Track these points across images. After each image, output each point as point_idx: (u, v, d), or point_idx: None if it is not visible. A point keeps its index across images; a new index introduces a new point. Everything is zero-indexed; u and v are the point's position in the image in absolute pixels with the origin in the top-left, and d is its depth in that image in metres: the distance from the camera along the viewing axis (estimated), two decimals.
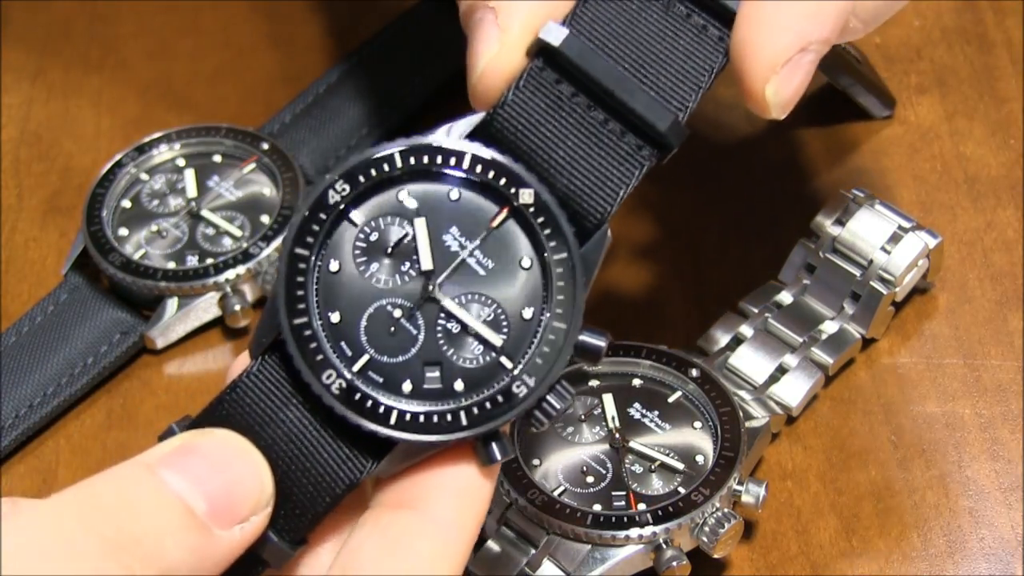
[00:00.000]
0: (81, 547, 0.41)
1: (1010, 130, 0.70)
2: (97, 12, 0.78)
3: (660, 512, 0.56)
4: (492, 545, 0.56)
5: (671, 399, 0.60)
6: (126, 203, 0.68)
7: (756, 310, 0.63)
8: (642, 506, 0.56)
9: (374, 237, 0.47)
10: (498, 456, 0.46)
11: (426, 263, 0.47)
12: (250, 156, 0.69)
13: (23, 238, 0.69)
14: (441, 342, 0.46)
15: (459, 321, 0.46)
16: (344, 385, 0.45)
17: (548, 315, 0.46)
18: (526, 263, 0.47)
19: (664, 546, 0.55)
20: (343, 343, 0.46)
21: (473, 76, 0.49)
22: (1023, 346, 0.63)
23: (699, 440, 0.59)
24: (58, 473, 0.62)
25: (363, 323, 0.46)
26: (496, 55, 0.49)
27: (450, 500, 0.46)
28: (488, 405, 0.45)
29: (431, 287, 0.46)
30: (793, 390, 0.61)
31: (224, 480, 0.44)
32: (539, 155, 0.48)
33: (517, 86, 0.48)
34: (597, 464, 0.58)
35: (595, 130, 0.48)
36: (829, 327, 0.63)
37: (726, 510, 0.56)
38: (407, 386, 0.46)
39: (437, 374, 0.46)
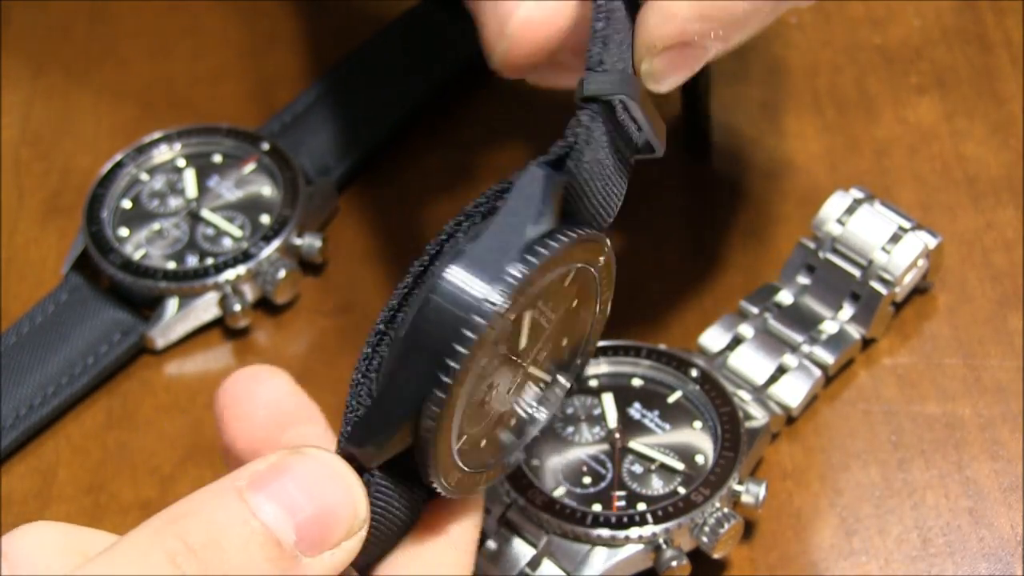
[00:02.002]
0: None
1: (1010, 130, 0.70)
2: (97, 12, 0.78)
3: (660, 512, 0.56)
4: (492, 545, 0.56)
5: (671, 399, 0.60)
6: (126, 203, 0.68)
7: (756, 310, 0.63)
8: (642, 506, 0.56)
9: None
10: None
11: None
12: (250, 156, 0.69)
13: (23, 238, 0.69)
14: None
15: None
16: None
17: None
18: None
19: (664, 546, 0.55)
20: None
21: (499, 44, 0.48)
22: (1023, 346, 0.63)
23: (699, 440, 0.59)
24: (58, 473, 0.62)
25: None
26: (525, 16, 0.48)
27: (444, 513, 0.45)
28: None
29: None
30: (793, 390, 0.61)
31: (317, 507, 0.42)
32: (599, 200, 0.46)
33: (589, 141, 0.45)
34: (597, 464, 0.58)
35: None
36: (829, 327, 0.63)
37: (726, 510, 0.56)
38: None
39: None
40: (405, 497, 0.45)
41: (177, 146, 0.69)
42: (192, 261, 0.66)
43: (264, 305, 0.66)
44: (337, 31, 0.76)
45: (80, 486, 0.62)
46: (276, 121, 0.71)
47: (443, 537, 0.46)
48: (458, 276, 0.41)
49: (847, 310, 0.63)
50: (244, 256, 0.65)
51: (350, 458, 0.43)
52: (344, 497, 0.42)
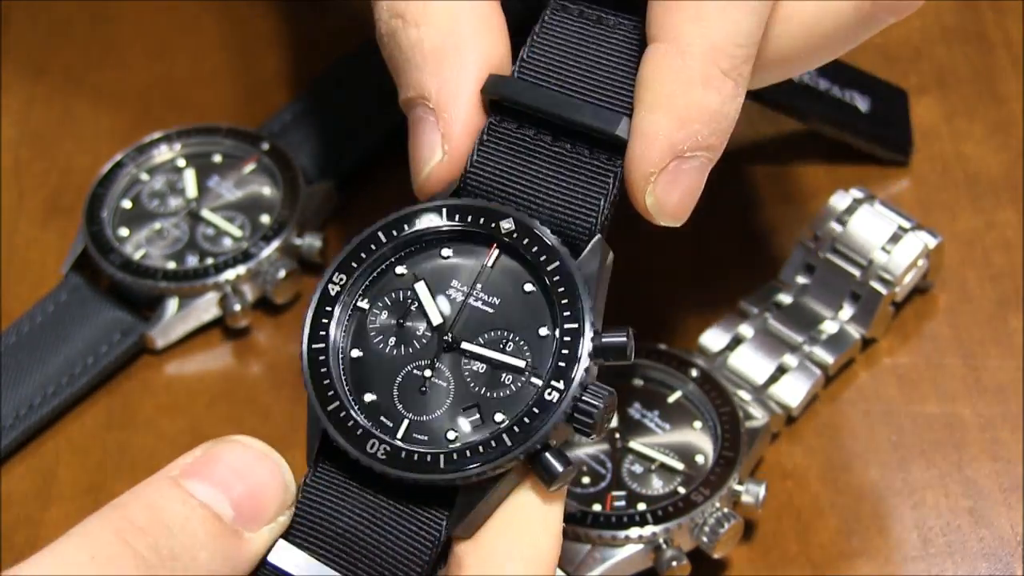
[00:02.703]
0: (119, 568, 0.41)
1: (1010, 130, 0.70)
2: (97, 12, 0.78)
3: (660, 512, 0.56)
4: None
5: (671, 399, 0.60)
6: (126, 203, 0.68)
7: (756, 310, 0.63)
8: (642, 506, 0.56)
9: (384, 316, 0.48)
10: (557, 468, 0.46)
11: (435, 318, 0.48)
12: (250, 156, 0.69)
13: (23, 238, 0.69)
14: (472, 384, 0.47)
15: (481, 359, 0.47)
16: (388, 448, 0.46)
17: (560, 324, 0.47)
18: (528, 287, 0.48)
19: (664, 546, 0.55)
20: (382, 417, 0.47)
21: (419, 178, 0.51)
22: (1023, 346, 0.63)
23: (699, 440, 0.59)
24: (58, 473, 0.62)
25: (396, 392, 0.47)
26: (440, 164, 0.50)
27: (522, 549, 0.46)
28: (526, 419, 0.46)
29: (446, 336, 0.47)
30: (793, 390, 0.61)
31: (248, 484, 0.45)
32: (519, 199, 0.49)
33: (480, 144, 0.49)
34: (597, 464, 0.58)
35: (565, 158, 0.49)
36: (829, 327, 0.63)
37: (726, 510, 0.56)
38: (451, 435, 0.46)
39: (477, 415, 0.47)
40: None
41: (177, 146, 0.69)
42: (192, 261, 0.66)
43: (264, 305, 0.66)
44: (337, 31, 0.76)
45: (80, 486, 0.62)
46: (276, 121, 0.71)
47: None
48: None
49: (847, 310, 0.63)
50: (244, 256, 0.65)
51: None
52: (272, 471, 0.45)
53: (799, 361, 0.61)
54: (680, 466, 0.58)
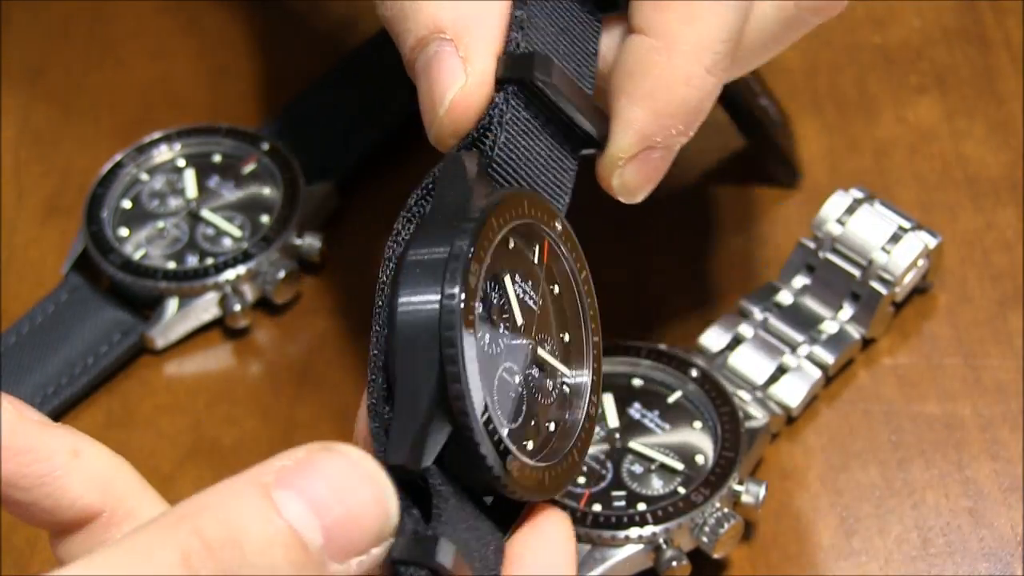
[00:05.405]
0: None
1: (1010, 130, 0.70)
2: (97, 12, 0.78)
3: (660, 512, 0.56)
4: None
5: (671, 399, 0.60)
6: (126, 203, 0.68)
7: (756, 310, 0.63)
8: (642, 506, 0.56)
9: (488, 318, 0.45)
10: None
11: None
12: (250, 156, 0.69)
13: (23, 238, 0.69)
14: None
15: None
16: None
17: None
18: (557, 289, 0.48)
19: (664, 546, 0.55)
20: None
21: (438, 111, 0.48)
22: (1023, 346, 0.63)
23: (699, 440, 0.59)
24: None
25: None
26: (466, 87, 0.47)
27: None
28: None
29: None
30: (793, 390, 0.61)
31: (347, 508, 0.38)
32: (533, 185, 0.48)
33: (502, 122, 0.47)
34: (597, 464, 0.58)
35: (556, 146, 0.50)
36: (829, 327, 0.63)
37: (726, 510, 0.56)
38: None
39: None
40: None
41: (177, 146, 0.69)
42: (192, 261, 0.66)
43: (264, 305, 0.66)
44: (337, 31, 0.76)
45: None
46: (276, 121, 0.71)
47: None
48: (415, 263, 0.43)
49: (847, 310, 0.63)
50: (244, 256, 0.65)
51: (397, 469, 0.42)
52: (376, 498, 0.39)
53: (799, 361, 0.61)
54: (680, 466, 0.58)
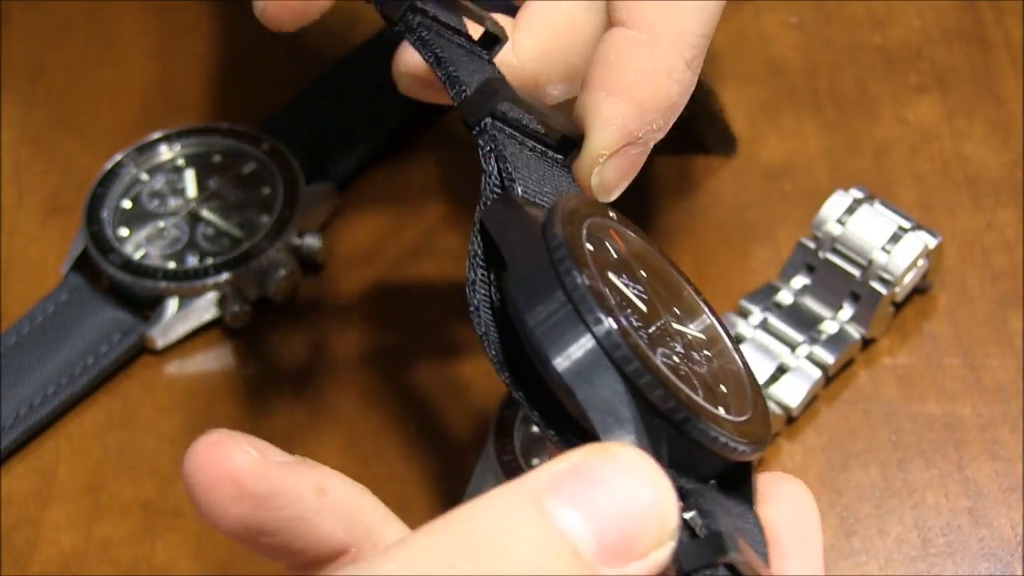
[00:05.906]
0: None
1: (1010, 130, 0.70)
2: (97, 11, 0.78)
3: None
4: None
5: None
6: (126, 203, 0.68)
7: (756, 310, 0.63)
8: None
9: None
10: None
11: None
12: (250, 156, 0.69)
13: (23, 238, 0.69)
14: None
15: None
16: None
17: None
18: None
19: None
20: None
21: None
22: (1023, 346, 0.63)
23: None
24: (58, 473, 0.62)
25: None
26: None
27: None
28: None
29: None
30: (793, 390, 0.61)
31: (623, 513, 0.37)
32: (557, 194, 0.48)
33: (503, 155, 0.47)
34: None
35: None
36: (829, 327, 0.63)
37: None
38: None
39: None
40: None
41: (177, 146, 0.69)
42: (192, 261, 0.66)
43: (264, 305, 0.66)
44: (338, 31, 0.76)
45: (80, 486, 0.62)
46: (276, 121, 0.71)
47: None
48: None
49: (847, 310, 0.63)
50: (244, 256, 0.65)
51: None
52: (655, 501, 0.37)
53: (799, 361, 0.61)
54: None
